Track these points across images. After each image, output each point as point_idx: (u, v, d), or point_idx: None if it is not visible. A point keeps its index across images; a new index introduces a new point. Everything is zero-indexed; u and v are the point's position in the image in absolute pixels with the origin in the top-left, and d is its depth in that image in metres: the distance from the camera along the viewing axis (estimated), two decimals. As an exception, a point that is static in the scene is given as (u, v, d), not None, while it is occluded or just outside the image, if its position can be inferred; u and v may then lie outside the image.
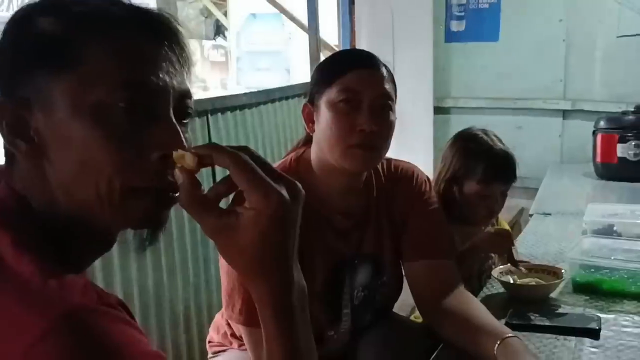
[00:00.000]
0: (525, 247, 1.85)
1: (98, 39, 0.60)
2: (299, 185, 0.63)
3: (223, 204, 0.64)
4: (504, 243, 1.55)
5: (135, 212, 0.62)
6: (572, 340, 1.25)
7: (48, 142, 0.60)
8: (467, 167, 1.64)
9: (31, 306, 0.51)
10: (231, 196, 0.64)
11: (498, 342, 1.13)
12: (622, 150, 2.58)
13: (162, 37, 0.63)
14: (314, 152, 1.32)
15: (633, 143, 2.56)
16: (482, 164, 1.63)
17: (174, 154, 0.60)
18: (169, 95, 0.62)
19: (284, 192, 0.60)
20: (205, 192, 0.62)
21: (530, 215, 2.25)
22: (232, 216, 0.60)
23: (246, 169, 0.59)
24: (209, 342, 1.51)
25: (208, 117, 2.21)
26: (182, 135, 0.62)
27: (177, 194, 0.62)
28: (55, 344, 0.49)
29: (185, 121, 0.66)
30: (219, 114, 2.28)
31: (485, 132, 1.71)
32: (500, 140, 1.70)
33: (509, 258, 1.53)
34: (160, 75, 0.62)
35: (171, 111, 0.63)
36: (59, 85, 0.59)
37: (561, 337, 1.27)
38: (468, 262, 1.61)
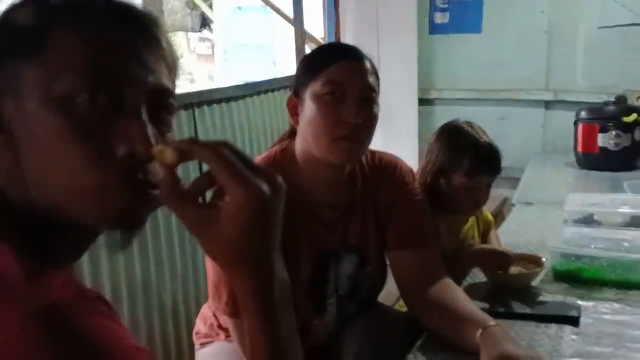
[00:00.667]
0: (507, 236, 1.87)
1: (69, 29, 0.59)
2: (280, 178, 0.63)
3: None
4: (501, 265, 1.53)
5: (105, 211, 0.60)
6: (553, 328, 1.28)
7: (20, 133, 0.59)
8: (453, 160, 1.65)
9: (8, 300, 0.50)
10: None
11: (480, 331, 1.15)
12: (603, 140, 2.62)
13: (137, 31, 0.62)
14: (298, 145, 1.33)
15: (614, 133, 2.59)
16: (468, 157, 1.64)
17: (154, 149, 0.60)
18: (139, 90, 0.61)
19: (265, 186, 0.60)
20: (186, 187, 0.62)
21: (513, 205, 2.28)
22: (213, 210, 0.60)
23: (226, 163, 0.59)
24: (196, 333, 1.52)
25: (194, 110, 2.21)
26: (147, 132, 0.60)
27: (154, 193, 0.62)
28: (32, 338, 0.48)
29: (167, 118, 0.65)
30: (205, 106, 2.28)
31: (470, 124, 1.72)
32: (485, 133, 1.72)
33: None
34: (130, 68, 0.61)
35: (142, 107, 0.61)
36: (28, 75, 0.59)
37: (542, 324, 1.29)
38: (458, 265, 1.62)
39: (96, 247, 0.68)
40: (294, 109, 1.32)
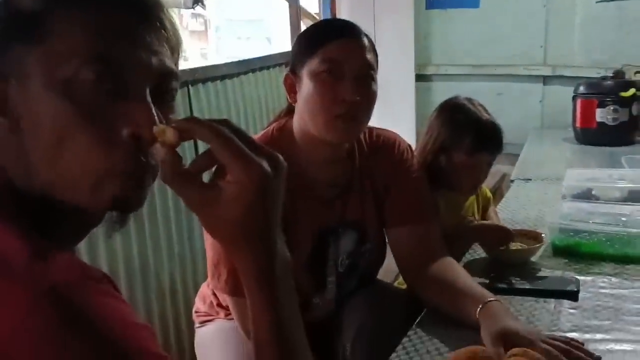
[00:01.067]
0: (506, 212, 1.88)
1: (72, 12, 0.59)
2: (281, 157, 0.63)
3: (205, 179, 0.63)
4: (502, 241, 1.53)
5: (106, 194, 0.60)
6: (552, 303, 1.29)
7: (25, 117, 0.59)
8: (455, 137, 1.64)
9: (14, 283, 0.50)
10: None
11: (480, 306, 1.16)
12: (601, 115, 2.61)
13: (140, 14, 0.62)
14: (296, 123, 1.32)
15: (611, 108, 2.59)
16: (470, 135, 1.63)
17: (155, 128, 0.59)
18: (143, 73, 0.61)
19: (266, 165, 0.60)
20: (187, 166, 0.62)
21: (512, 181, 2.28)
22: (215, 190, 0.60)
23: (227, 142, 0.59)
24: (196, 312, 1.53)
25: (189, 88, 2.19)
26: (153, 114, 0.60)
27: (151, 176, 0.62)
28: (39, 321, 0.49)
29: (170, 101, 0.65)
30: (200, 84, 2.26)
31: (471, 101, 1.71)
32: (486, 110, 1.70)
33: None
34: (134, 51, 0.60)
35: (147, 90, 0.61)
36: (33, 59, 0.58)
37: (541, 299, 1.30)
38: (457, 242, 1.62)
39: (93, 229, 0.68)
40: (291, 87, 1.31)
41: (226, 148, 0.59)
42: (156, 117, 0.60)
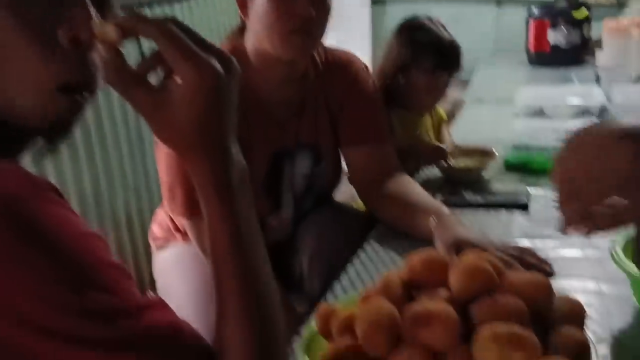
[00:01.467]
0: (459, 133, 1.89)
1: None
2: (233, 58, 0.60)
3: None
4: (437, 158, 1.56)
5: (54, 104, 0.57)
6: (504, 214, 1.32)
7: None
8: (415, 57, 1.63)
9: None
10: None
11: (434, 220, 1.18)
12: (554, 37, 2.63)
13: None
14: (249, 41, 1.29)
15: (564, 29, 2.60)
16: (430, 55, 1.62)
17: (94, 26, 0.56)
18: None
19: (217, 64, 0.57)
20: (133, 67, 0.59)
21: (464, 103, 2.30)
22: (164, 92, 0.58)
23: (174, 40, 0.56)
24: (153, 237, 1.51)
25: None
26: (90, 11, 0.57)
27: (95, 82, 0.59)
28: None
29: (111, 5, 0.61)
30: (146, 8, 2.17)
31: (431, 20, 1.69)
32: (446, 29, 1.69)
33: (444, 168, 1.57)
34: None
35: None
36: None
37: (493, 211, 1.33)
38: (411, 161, 1.63)
39: (43, 160, 0.65)
40: (243, 2, 1.26)
41: (174, 46, 0.56)
42: (94, 15, 0.57)
